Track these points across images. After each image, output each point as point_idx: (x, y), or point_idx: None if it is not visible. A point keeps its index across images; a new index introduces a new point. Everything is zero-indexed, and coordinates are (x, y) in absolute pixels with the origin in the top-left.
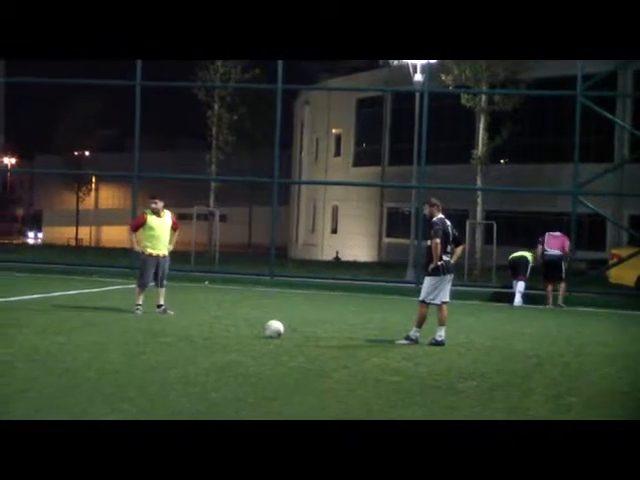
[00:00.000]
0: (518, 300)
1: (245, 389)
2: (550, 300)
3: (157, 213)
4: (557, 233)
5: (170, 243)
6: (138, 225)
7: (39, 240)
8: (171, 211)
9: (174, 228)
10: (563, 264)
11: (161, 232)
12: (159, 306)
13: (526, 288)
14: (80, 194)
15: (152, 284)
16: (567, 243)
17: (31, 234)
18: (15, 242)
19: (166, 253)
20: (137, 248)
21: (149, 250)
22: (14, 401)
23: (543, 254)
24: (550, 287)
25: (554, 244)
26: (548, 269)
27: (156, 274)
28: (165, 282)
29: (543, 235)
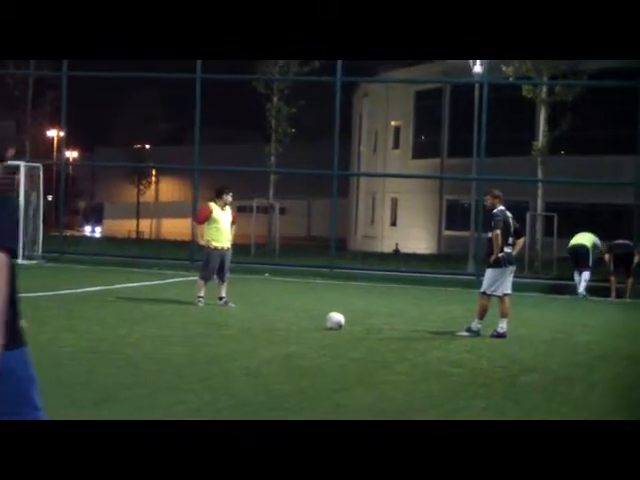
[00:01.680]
0: (582, 290)
1: (307, 381)
2: (614, 292)
3: (222, 206)
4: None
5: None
6: (204, 217)
7: (96, 233)
8: (232, 203)
9: (233, 222)
10: (635, 257)
11: (225, 225)
12: (220, 298)
13: (589, 279)
14: (141, 187)
15: (215, 277)
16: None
17: (88, 228)
18: (77, 235)
19: (229, 246)
20: (202, 242)
21: (214, 243)
22: (77, 392)
23: (612, 247)
24: (614, 279)
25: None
26: (617, 259)
27: (220, 267)
28: (228, 275)
29: (611, 244)
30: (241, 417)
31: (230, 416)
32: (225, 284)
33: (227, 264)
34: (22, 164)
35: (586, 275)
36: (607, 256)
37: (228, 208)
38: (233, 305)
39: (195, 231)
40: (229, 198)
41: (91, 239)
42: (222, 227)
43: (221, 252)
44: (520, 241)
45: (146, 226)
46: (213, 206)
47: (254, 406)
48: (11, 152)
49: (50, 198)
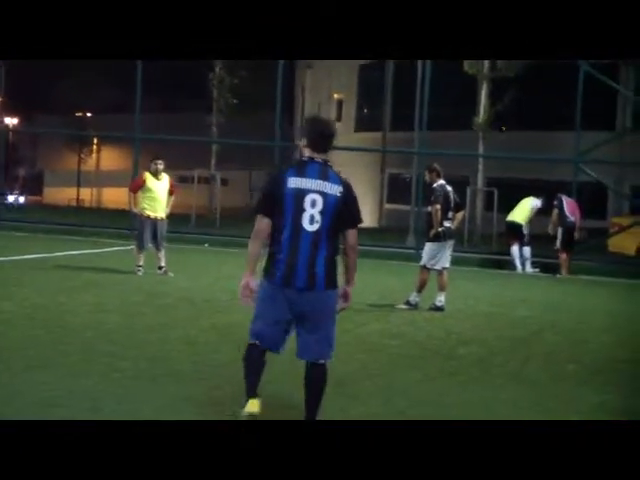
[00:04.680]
0: (529, 269)
1: (244, 351)
2: (565, 270)
3: (156, 175)
4: (570, 199)
5: (167, 207)
6: (137, 186)
7: (18, 203)
8: (172, 173)
9: (171, 192)
10: (575, 233)
11: (159, 195)
12: (160, 268)
13: (529, 256)
14: (82, 155)
15: (150, 246)
16: (578, 211)
17: (11, 197)
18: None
19: (164, 216)
20: (135, 210)
21: (147, 212)
22: (14, 358)
23: (564, 220)
24: (564, 255)
25: (571, 210)
26: (567, 236)
27: (153, 236)
28: (164, 244)
29: (560, 198)
30: (176, 385)
31: (165, 384)
32: (163, 253)
33: (161, 234)
34: None
35: (527, 253)
36: (559, 229)
37: (165, 177)
38: (172, 274)
39: (130, 199)
40: (159, 167)
41: (32, 207)
42: (156, 196)
43: (154, 221)
44: (459, 214)
45: (87, 194)
46: (147, 175)
47: (190, 374)
48: None
49: None
